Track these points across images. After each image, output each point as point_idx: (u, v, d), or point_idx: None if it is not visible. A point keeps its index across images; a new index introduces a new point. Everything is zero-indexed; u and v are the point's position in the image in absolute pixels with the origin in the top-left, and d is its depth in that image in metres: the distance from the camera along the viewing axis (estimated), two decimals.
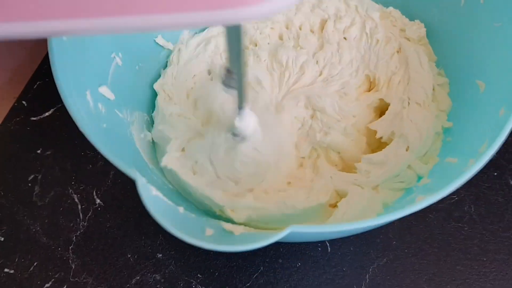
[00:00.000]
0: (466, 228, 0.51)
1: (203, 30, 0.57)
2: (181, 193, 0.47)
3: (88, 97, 0.42)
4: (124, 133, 0.46)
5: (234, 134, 0.42)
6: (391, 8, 0.57)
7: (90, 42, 0.44)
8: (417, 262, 0.49)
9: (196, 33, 0.57)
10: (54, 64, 0.38)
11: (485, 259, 0.49)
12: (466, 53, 0.50)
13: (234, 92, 0.36)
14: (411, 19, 0.56)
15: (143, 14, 0.22)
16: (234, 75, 0.34)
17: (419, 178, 0.46)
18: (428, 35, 0.55)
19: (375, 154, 0.47)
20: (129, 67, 0.50)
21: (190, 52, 0.54)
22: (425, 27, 0.55)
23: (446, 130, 0.49)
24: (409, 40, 0.54)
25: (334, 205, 0.45)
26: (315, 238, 0.46)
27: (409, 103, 0.49)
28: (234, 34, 0.29)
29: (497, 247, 0.50)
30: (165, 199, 0.35)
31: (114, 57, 0.48)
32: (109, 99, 0.45)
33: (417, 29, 0.55)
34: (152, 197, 0.33)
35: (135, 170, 0.34)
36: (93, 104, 0.42)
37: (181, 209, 0.36)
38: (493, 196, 0.53)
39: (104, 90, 0.45)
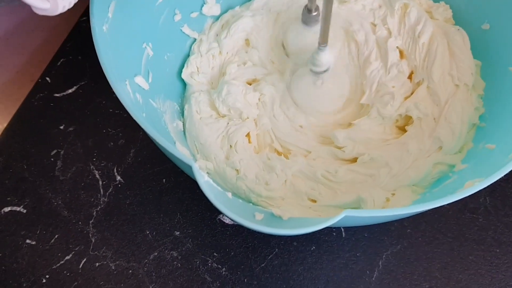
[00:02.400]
0: (480, 219, 0.51)
1: (217, 19, 0.58)
2: (215, 180, 0.48)
3: (128, 87, 0.42)
4: (160, 122, 0.47)
5: (313, 67, 0.46)
6: None
7: (123, 32, 0.44)
8: (431, 251, 0.50)
9: (213, 22, 0.57)
10: (101, 57, 0.38)
11: (498, 251, 0.50)
12: (497, 38, 0.48)
13: (313, 30, 0.41)
14: (435, 1, 0.55)
15: None
16: (315, 13, 0.40)
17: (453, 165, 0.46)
18: (454, 19, 0.54)
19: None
20: (159, 56, 0.50)
21: (210, 41, 0.55)
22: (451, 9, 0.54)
23: (479, 116, 0.48)
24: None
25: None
26: (366, 222, 0.46)
27: (457, 85, 0.48)
28: None
29: (511, 239, 0.50)
30: (214, 185, 0.36)
31: (145, 47, 0.48)
32: (144, 88, 0.46)
33: (443, 10, 0.53)
34: (205, 182, 0.34)
35: (190, 157, 0.34)
36: (132, 94, 0.43)
37: (229, 194, 0.37)
38: (509, 189, 0.53)
39: (140, 80, 0.45)
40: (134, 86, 0.44)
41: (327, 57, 0.46)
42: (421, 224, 0.51)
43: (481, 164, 0.41)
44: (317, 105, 0.50)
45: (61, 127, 0.57)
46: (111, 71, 0.37)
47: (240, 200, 0.36)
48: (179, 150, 0.35)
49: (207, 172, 0.47)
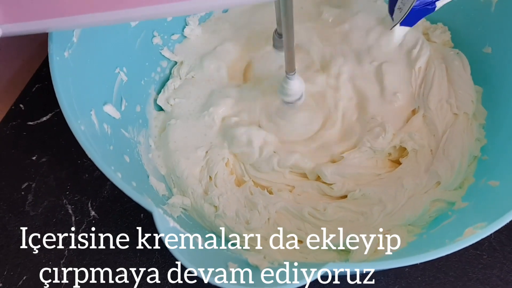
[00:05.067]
0: (485, 256, 0.48)
1: None
2: (192, 217, 0.45)
3: (93, 117, 0.39)
4: (132, 154, 0.44)
5: (284, 96, 0.44)
6: None
7: (92, 57, 0.41)
8: None
9: None
10: (57, 85, 0.35)
11: None
12: (499, 63, 0.46)
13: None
14: (433, 23, 0.53)
15: None
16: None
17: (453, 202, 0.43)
18: (452, 41, 0.52)
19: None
20: (134, 82, 0.48)
21: (191, 64, 0.52)
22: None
23: (481, 148, 0.45)
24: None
25: None
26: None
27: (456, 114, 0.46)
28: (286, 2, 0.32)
29: None
30: (182, 230, 0.33)
31: (119, 72, 0.45)
32: (114, 118, 0.43)
33: (441, 33, 0.51)
34: (170, 229, 0.31)
35: (151, 202, 0.31)
36: (98, 125, 0.39)
37: (200, 240, 0.34)
38: None
39: (109, 109, 0.43)
40: (102, 115, 0.41)
41: (296, 86, 0.42)
42: (420, 263, 0.47)
43: (484, 204, 0.38)
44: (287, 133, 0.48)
45: (34, 158, 0.54)
46: (67, 101, 0.34)
47: (214, 248, 0.33)
48: (137, 194, 0.32)
49: (184, 209, 0.44)
